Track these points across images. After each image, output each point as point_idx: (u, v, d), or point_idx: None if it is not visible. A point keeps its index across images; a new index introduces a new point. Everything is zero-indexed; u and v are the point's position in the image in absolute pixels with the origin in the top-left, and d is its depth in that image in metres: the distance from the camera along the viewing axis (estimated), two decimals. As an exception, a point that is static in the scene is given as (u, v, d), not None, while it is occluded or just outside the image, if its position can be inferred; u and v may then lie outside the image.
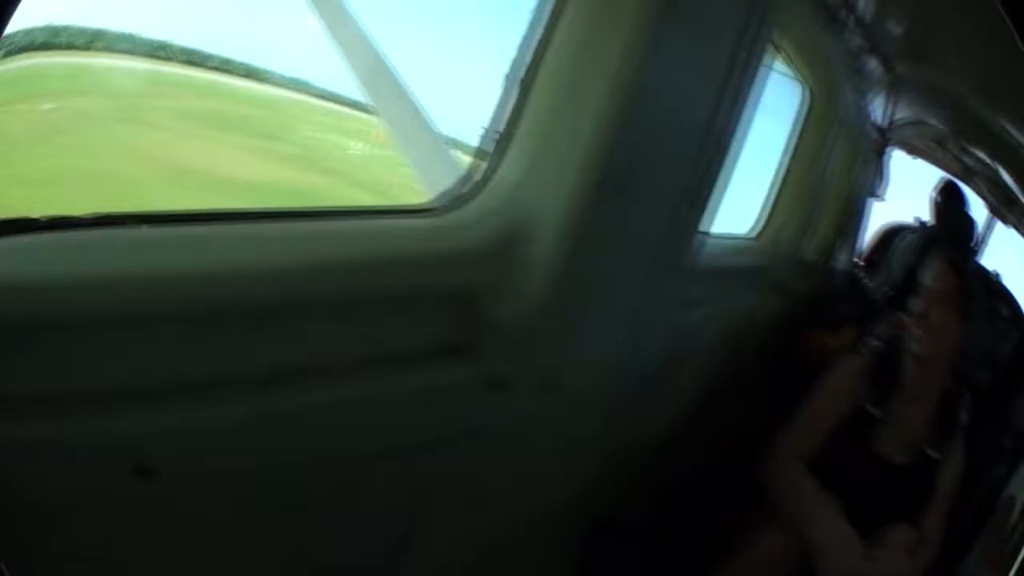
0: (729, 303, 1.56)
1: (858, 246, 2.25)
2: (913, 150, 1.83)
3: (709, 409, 1.46)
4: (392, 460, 0.85)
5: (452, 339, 0.88)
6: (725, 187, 1.32)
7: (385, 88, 1.05)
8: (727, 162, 1.30)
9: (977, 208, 2.44)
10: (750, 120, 1.31)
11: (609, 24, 1.02)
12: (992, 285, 1.57)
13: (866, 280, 1.76)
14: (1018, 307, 1.53)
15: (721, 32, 1.18)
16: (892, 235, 2.56)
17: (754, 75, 1.29)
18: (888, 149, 1.86)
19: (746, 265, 1.67)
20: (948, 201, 2.52)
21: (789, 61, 1.54)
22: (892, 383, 1.37)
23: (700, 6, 1.12)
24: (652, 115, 1.08)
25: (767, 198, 1.75)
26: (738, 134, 1.31)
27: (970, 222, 2.14)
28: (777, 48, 1.38)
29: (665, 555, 1.28)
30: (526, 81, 0.97)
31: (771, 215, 1.72)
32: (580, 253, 0.96)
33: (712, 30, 1.16)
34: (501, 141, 0.94)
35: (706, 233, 1.39)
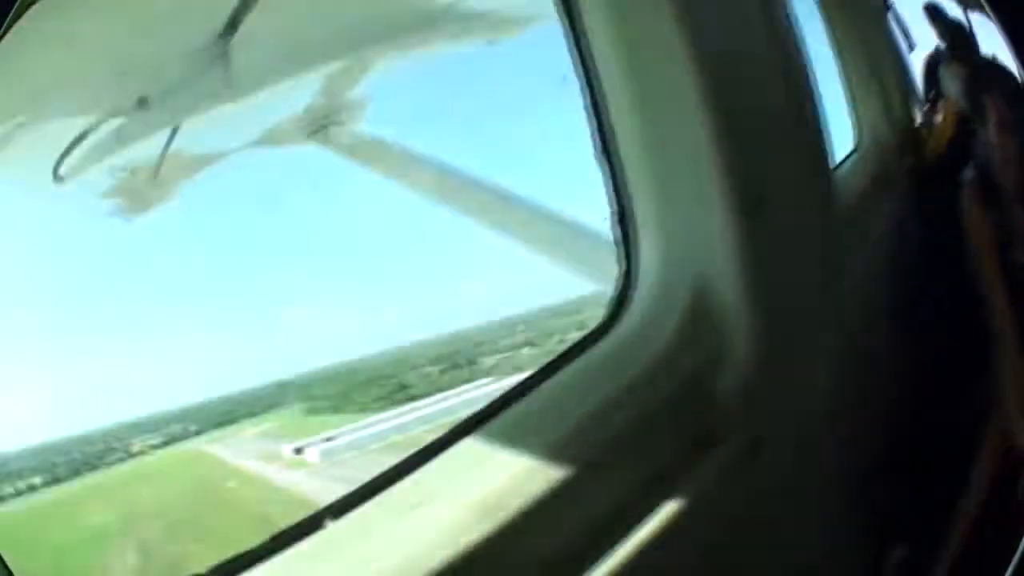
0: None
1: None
2: None
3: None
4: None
5: (697, 434, 0.89)
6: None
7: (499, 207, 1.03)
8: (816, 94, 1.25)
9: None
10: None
11: (649, 44, 0.96)
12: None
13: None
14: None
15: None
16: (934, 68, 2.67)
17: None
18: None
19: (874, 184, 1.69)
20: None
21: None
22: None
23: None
24: (748, 99, 1.03)
25: (849, 111, 1.71)
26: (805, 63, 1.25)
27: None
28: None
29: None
30: (608, 146, 0.93)
31: (859, 124, 1.69)
32: (761, 291, 0.93)
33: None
34: (620, 222, 0.89)
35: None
